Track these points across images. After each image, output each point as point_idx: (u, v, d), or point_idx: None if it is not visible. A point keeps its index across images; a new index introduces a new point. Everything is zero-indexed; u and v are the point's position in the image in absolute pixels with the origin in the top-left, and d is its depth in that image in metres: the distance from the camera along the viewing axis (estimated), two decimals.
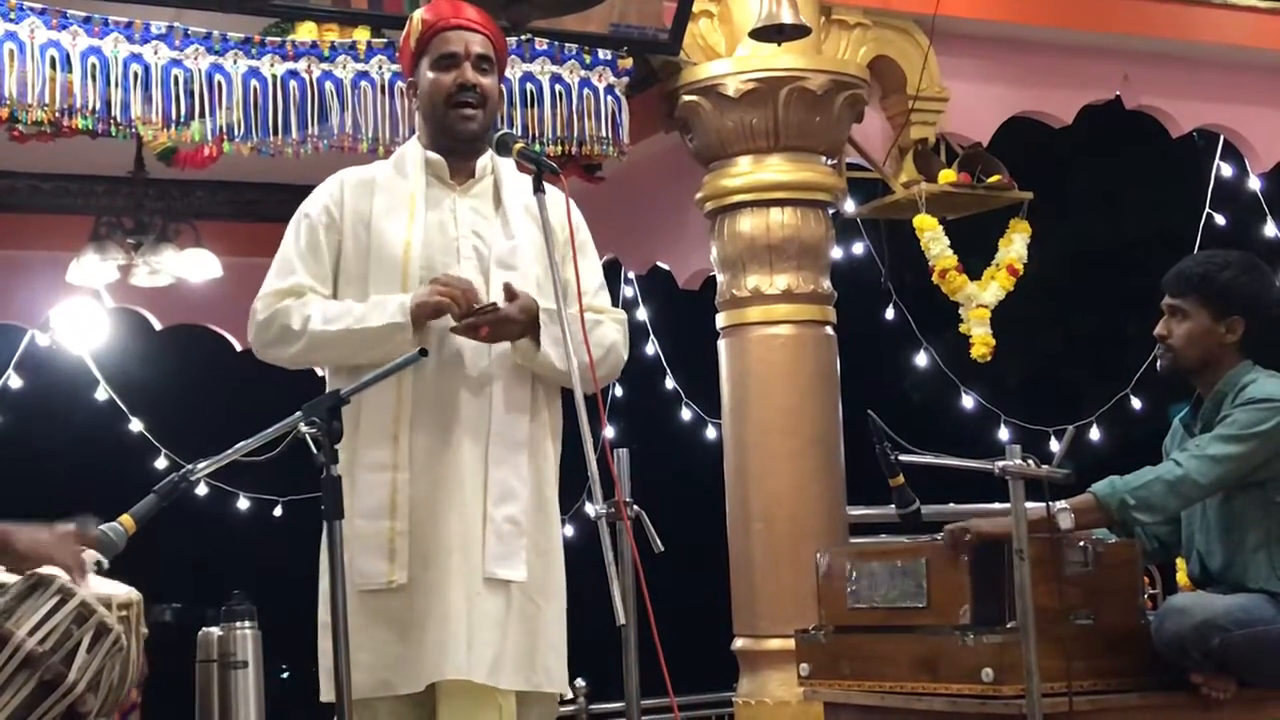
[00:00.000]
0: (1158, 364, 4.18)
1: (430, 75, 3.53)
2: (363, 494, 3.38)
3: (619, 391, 9.20)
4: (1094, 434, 8.63)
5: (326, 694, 3.25)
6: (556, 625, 3.48)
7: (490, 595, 3.35)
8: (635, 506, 3.28)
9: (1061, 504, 3.85)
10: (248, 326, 3.55)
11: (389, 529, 3.36)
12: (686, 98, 5.65)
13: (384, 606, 3.35)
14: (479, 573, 3.35)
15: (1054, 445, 5.86)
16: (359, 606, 3.32)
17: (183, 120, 4.78)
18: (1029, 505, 3.64)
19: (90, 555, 2.82)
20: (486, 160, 3.59)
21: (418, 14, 3.58)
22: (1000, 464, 3.62)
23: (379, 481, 3.38)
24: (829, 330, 5.70)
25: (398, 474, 3.38)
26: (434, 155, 3.56)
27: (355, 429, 3.40)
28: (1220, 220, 8.12)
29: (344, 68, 4.96)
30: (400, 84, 4.88)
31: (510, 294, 3.37)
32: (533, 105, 5.25)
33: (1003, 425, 8.72)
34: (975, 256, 6.30)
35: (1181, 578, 5.63)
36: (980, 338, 6.17)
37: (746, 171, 5.65)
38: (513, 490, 3.42)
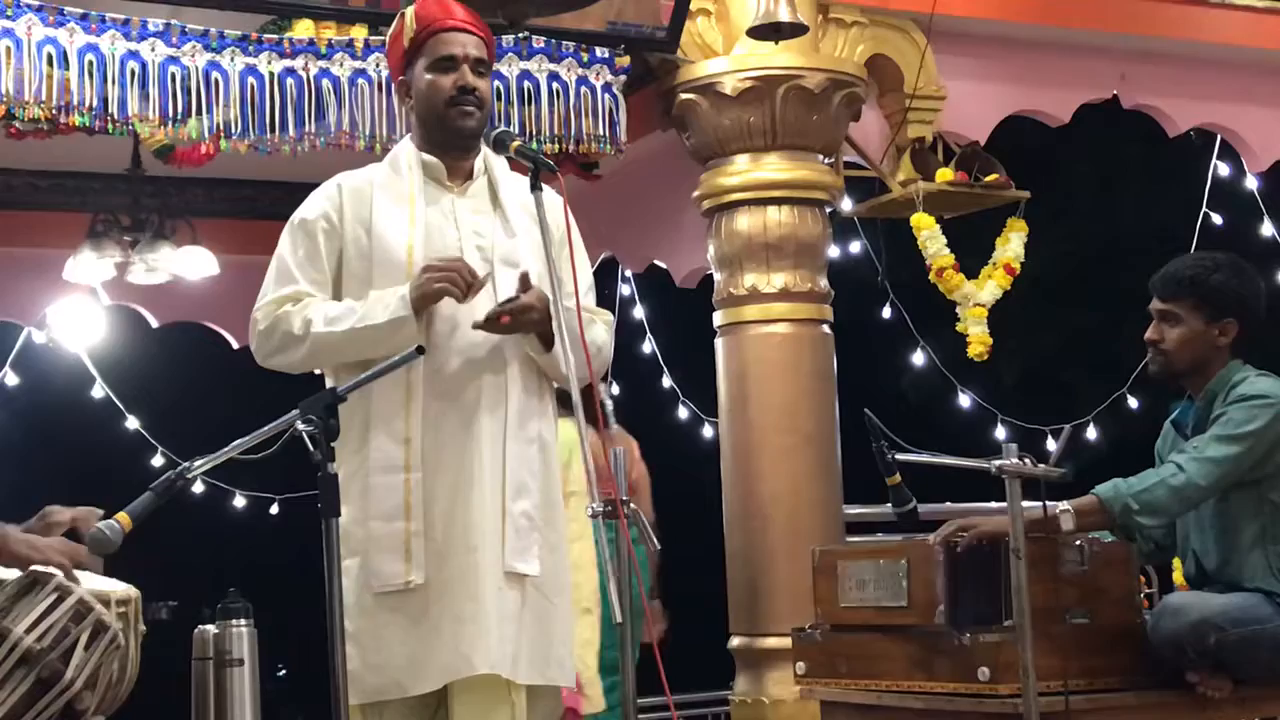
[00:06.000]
0: (1149, 368, 4.16)
1: (428, 77, 3.50)
2: (377, 496, 3.38)
3: (616, 390, 9.20)
4: (1091, 433, 8.62)
5: (355, 698, 3.25)
6: (565, 620, 3.51)
7: (509, 590, 3.37)
8: (632, 505, 3.30)
9: (1064, 505, 3.85)
10: (249, 336, 3.53)
11: (404, 530, 3.36)
12: (684, 96, 5.64)
13: (400, 606, 3.34)
14: (499, 567, 3.37)
15: (1051, 444, 5.88)
16: (374, 608, 3.33)
17: (179, 117, 4.77)
18: (1028, 505, 3.64)
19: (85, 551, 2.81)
20: (481, 159, 3.59)
21: (409, 12, 3.53)
22: (997, 463, 3.61)
23: (392, 483, 3.37)
24: (826, 329, 5.70)
25: (410, 474, 3.37)
26: (430, 157, 3.54)
27: (365, 430, 3.40)
28: (1217, 219, 8.12)
29: (341, 65, 4.95)
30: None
31: (526, 284, 3.37)
32: (529, 103, 5.25)
33: (999, 424, 8.72)
34: (972, 255, 6.29)
35: (1178, 577, 5.63)
36: (977, 336, 6.16)
37: (744, 170, 5.65)
38: (527, 485, 3.44)
